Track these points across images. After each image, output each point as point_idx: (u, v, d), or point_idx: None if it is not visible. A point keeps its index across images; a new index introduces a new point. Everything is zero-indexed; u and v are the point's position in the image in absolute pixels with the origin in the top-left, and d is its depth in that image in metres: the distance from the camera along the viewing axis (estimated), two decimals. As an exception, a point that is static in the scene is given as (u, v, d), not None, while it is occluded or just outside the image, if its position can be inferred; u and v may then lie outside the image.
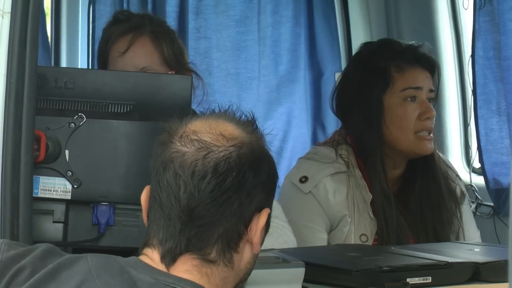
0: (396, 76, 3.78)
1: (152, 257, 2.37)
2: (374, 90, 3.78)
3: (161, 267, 2.34)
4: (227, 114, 2.50)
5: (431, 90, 3.80)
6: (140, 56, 3.58)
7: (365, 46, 4.11)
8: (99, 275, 2.31)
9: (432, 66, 3.86)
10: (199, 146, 2.37)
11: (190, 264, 2.36)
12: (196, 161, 2.36)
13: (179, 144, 2.39)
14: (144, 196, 2.45)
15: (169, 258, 2.35)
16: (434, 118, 3.79)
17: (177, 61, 3.63)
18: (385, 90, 3.77)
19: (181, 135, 2.40)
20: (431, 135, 3.79)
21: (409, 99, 3.76)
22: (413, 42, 4.00)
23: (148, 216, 2.43)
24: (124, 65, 3.56)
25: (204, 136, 2.39)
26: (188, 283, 2.33)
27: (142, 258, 2.38)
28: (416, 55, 3.84)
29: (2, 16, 2.60)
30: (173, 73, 3.52)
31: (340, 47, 4.68)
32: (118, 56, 3.59)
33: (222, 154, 2.36)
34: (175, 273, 2.33)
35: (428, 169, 3.87)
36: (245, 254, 2.41)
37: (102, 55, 3.68)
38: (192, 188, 2.35)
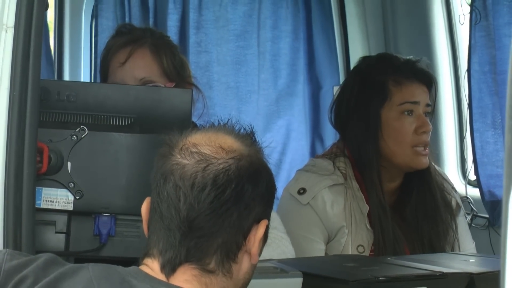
0: (394, 90, 3.79)
1: (152, 267, 2.37)
2: (372, 104, 3.79)
3: (161, 276, 2.35)
4: (226, 127, 2.51)
5: (428, 105, 3.81)
6: (139, 67, 3.58)
7: (363, 60, 4.11)
8: (100, 285, 2.31)
9: (429, 81, 3.87)
10: (198, 159, 2.38)
11: (190, 274, 2.36)
12: (196, 173, 2.36)
13: (179, 157, 2.40)
14: (144, 207, 2.45)
15: (169, 268, 2.36)
16: (430, 132, 3.81)
17: (177, 74, 3.62)
18: (382, 104, 3.78)
19: (181, 147, 2.41)
20: (427, 150, 3.80)
21: (406, 113, 3.77)
22: (411, 57, 4.01)
23: (148, 227, 2.44)
24: (124, 76, 3.56)
25: (204, 149, 2.40)
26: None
27: (143, 268, 2.38)
28: (413, 70, 3.85)
29: (6, 31, 2.61)
30: (173, 85, 3.52)
31: (338, 61, 4.69)
32: (118, 67, 3.59)
33: (221, 166, 2.37)
34: (174, 283, 2.33)
35: (424, 182, 3.87)
36: (244, 264, 2.41)
37: (104, 66, 3.69)
38: (192, 200, 2.35)
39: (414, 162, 3.79)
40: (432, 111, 3.91)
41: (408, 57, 3.98)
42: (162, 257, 2.37)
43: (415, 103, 3.78)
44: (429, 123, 3.79)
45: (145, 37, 3.70)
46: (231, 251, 2.38)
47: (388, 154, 3.78)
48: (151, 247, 2.40)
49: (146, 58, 3.58)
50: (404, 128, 3.76)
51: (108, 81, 3.61)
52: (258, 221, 2.41)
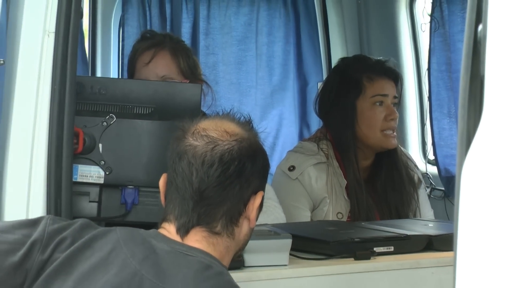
0: (367, 85, 3.78)
1: (169, 230, 2.38)
2: (349, 96, 3.78)
3: (176, 238, 2.36)
4: (229, 116, 2.53)
5: (395, 97, 3.81)
6: (161, 67, 3.57)
7: (342, 60, 4.11)
8: (126, 244, 2.32)
9: (396, 77, 3.87)
10: (207, 141, 2.40)
11: (200, 236, 2.37)
12: (205, 152, 2.38)
13: (191, 139, 2.41)
14: (162, 182, 2.47)
15: (183, 230, 2.37)
16: (397, 119, 3.80)
17: (191, 72, 3.62)
18: (358, 96, 3.77)
19: (193, 132, 2.42)
20: (395, 133, 3.80)
21: (377, 103, 3.76)
22: (381, 57, 4.01)
23: (165, 197, 2.45)
24: (148, 74, 3.55)
25: (212, 133, 2.41)
26: (198, 251, 2.34)
27: (161, 230, 2.40)
28: (383, 68, 3.85)
29: (48, 35, 2.59)
30: (188, 82, 3.52)
31: (321, 62, 4.67)
32: (143, 66, 3.58)
33: (226, 147, 2.38)
34: (187, 243, 2.35)
35: (392, 160, 3.87)
36: (244, 227, 2.43)
37: (131, 65, 3.67)
38: (202, 174, 2.37)
39: (384, 144, 3.79)
40: (399, 102, 3.91)
41: (378, 58, 3.97)
42: (178, 222, 2.39)
43: (384, 95, 3.77)
44: (396, 111, 3.79)
45: (165, 41, 3.69)
46: (234, 216, 2.40)
47: (363, 137, 3.77)
48: (168, 214, 2.41)
49: (166, 59, 3.57)
50: (376, 116, 3.76)
51: (134, 77, 3.60)
52: (255, 193, 2.43)
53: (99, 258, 2.29)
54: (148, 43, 3.67)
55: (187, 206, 2.39)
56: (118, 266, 2.28)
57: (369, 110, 3.77)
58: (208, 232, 2.38)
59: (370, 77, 3.79)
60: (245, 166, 2.40)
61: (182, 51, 3.66)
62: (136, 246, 2.33)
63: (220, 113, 2.61)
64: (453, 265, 1.66)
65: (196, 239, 2.37)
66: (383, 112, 3.77)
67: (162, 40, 3.69)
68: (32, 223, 2.34)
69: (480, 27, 1.63)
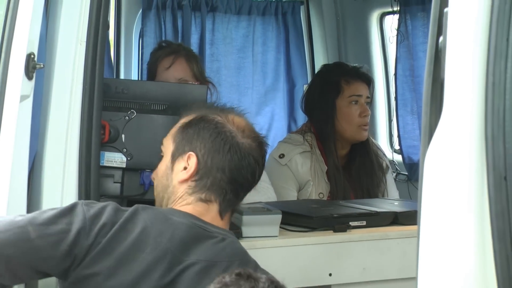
0: (345, 87, 3.78)
1: (206, 209, 2.35)
2: (330, 96, 3.78)
3: (217, 218, 2.35)
4: (230, 109, 2.52)
5: (368, 97, 3.81)
6: (179, 70, 3.56)
7: (324, 66, 4.12)
8: (153, 223, 2.27)
9: (369, 81, 3.86)
10: (248, 133, 2.40)
11: (225, 222, 2.39)
12: (251, 147, 2.38)
13: (231, 127, 2.39)
14: (194, 161, 2.36)
15: (224, 212, 2.37)
16: (369, 115, 3.80)
17: (200, 75, 3.62)
18: (337, 96, 3.77)
19: (228, 118, 2.41)
20: (367, 127, 3.80)
21: (353, 102, 3.76)
22: (356, 64, 4.01)
23: (198, 177, 2.38)
24: (168, 76, 3.54)
25: (244, 129, 2.41)
26: (212, 225, 2.32)
27: (192, 208, 2.36)
28: (358, 73, 3.84)
29: (80, 44, 2.59)
30: (198, 83, 3.51)
31: (307, 67, 4.67)
32: (164, 70, 3.57)
33: (264, 144, 2.45)
34: (217, 222, 2.35)
35: (364, 150, 3.87)
36: None
37: (151, 70, 3.66)
38: (258, 171, 2.42)
39: (358, 136, 3.79)
40: (371, 101, 3.91)
41: (354, 64, 3.98)
42: (221, 205, 2.36)
43: (359, 95, 3.77)
44: (369, 109, 3.79)
45: (180, 50, 3.68)
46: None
47: (340, 131, 3.77)
48: (207, 193, 2.36)
49: (182, 64, 3.57)
50: (352, 113, 3.76)
51: (155, 79, 3.58)
52: None
53: (133, 239, 2.24)
54: (167, 51, 3.66)
55: (226, 192, 2.34)
56: (150, 245, 2.24)
57: (346, 108, 3.76)
58: (231, 214, 2.41)
59: (347, 80, 3.79)
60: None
61: (194, 58, 3.67)
62: (161, 224, 2.28)
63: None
64: (417, 236, 1.66)
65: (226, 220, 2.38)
66: (358, 109, 3.76)
67: (177, 49, 3.69)
68: (69, 211, 2.25)
69: (440, 38, 1.62)
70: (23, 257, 2.19)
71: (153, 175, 2.47)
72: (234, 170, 2.31)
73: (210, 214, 2.33)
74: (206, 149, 2.30)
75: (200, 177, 2.31)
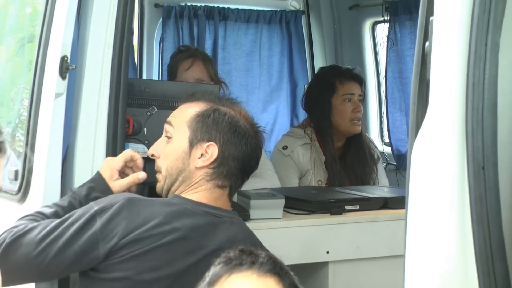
0: (339, 86, 3.77)
1: (220, 193, 2.34)
2: (326, 95, 3.77)
3: (226, 201, 2.35)
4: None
5: (360, 95, 3.80)
6: (197, 71, 3.55)
7: (322, 69, 4.11)
8: (173, 215, 2.23)
9: (361, 81, 3.86)
10: (255, 127, 2.40)
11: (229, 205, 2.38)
12: (258, 139, 2.39)
13: (242, 121, 2.38)
14: (213, 150, 2.32)
15: (229, 199, 2.36)
16: (362, 112, 3.80)
17: (215, 76, 3.62)
18: (332, 95, 3.76)
19: (240, 113, 2.40)
20: (359, 122, 3.79)
21: (347, 100, 3.75)
22: (349, 66, 4.01)
23: (216, 164, 2.36)
24: (187, 76, 3.53)
25: (252, 123, 2.40)
26: (225, 211, 2.32)
27: (207, 194, 2.33)
28: (351, 74, 3.84)
29: (108, 47, 2.58)
30: (213, 83, 3.50)
31: (307, 70, 4.65)
32: (184, 71, 3.55)
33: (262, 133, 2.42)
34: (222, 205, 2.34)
35: (358, 142, 3.86)
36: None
37: (172, 70, 3.64)
38: (255, 155, 2.38)
39: (352, 130, 3.78)
40: (363, 99, 3.91)
41: (348, 67, 3.98)
42: (231, 190, 2.36)
43: (352, 94, 3.76)
44: (361, 106, 3.79)
45: (197, 53, 3.68)
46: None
47: (336, 125, 3.76)
48: (221, 179, 2.35)
49: (200, 66, 3.57)
50: (346, 109, 3.75)
51: (176, 79, 3.56)
52: None
53: (156, 228, 2.19)
54: (186, 54, 3.65)
55: (236, 178, 2.33)
56: (171, 233, 2.20)
57: (341, 105, 3.75)
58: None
59: (341, 81, 3.78)
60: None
61: (209, 61, 3.67)
62: (180, 215, 2.24)
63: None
64: (404, 219, 1.66)
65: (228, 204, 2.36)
66: (351, 106, 3.76)
67: (195, 52, 3.69)
68: (88, 222, 2.17)
69: (427, 44, 1.62)
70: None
71: (154, 152, 2.38)
72: (245, 160, 2.31)
73: (222, 199, 2.32)
74: (225, 141, 2.28)
75: (217, 165, 2.28)
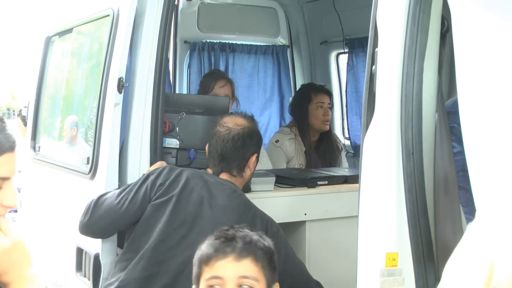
0: (314, 97, 3.73)
1: (210, 172, 2.36)
2: (305, 104, 3.74)
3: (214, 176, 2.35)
4: (241, 114, 2.50)
5: (329, 104, 3.76)
6: (227, 90, 3.50)
7: (302, 86, 4.07)
8: (192, 178, 2.29)
9: (329, 94, 3.82)
10: (226, 128, 2.38)
11: (226, 176, 2.36)
12: (225, 134, 2.36)
13: (219, 127, 2.39)
14: (206, 148, 2.43)
15: (216, 173, 2.37)
16: (330, 115, 3.78)
17: (234, 94, 3.57)
18: (309, 103, 3.73)
19: (220, 123, 2.39)
20: (328, 122, 3.77)
21: (319, 107, 3.72)
22: (321, 83, 4.00)
23: (208, 156, 2.42)
24: (220, 92, 3.47)
25: (228, 124, 2.39)
26: (228, 182, 2.33)
27: (207, 171, 2.37)
28: (322, 89, 3.81)
29: (151, 71, 2.59)
30: (233, 99, 3.50)
31: (291, 86, 4.62)
32: (219, 88, 3.49)
33: (236, 132, 2.36)
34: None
35: (328, 137, 3.82)
36: (247, 172, 2.40)
37: (207, 85, 3.55)
38: (223, 146, 2.34)
39: (323, 128, 3.75)
40: (331, 106, 3.87)
41: (320, 84, 3.96)
42: (212, 169, 2.38)
43: (323, 103, 3.74)
44: (329, 111, 3.76)
45: (228, 77, 3.66)
46: (241, 167, 2.38)
47: (312, 125, 3.74)
48: (209, 164, 2.40)
49: (229, 86, 3.52)
50: (319, 114, 3.72)
51: (210, 92, 3.49)
52: (253, 154, 2.39)
53: (180, 187, 2.26)
54: (222, 76, 3.62)
55: (217, 161, 2.36)
56: (191, 191, 2.25)
57: (315, 111, 3.72)
58: (229, 175, 2.37)
59: (315, 93, 3.75)
60: (246, 141, 2.36)
61: (233, 84, 3.62)
62: (198, 179, 2.30)
63: (234, 113, 2.61)
64: (358, 190, 1.67)
65: (224, 177, 2.36)
66: (322, 111, 3.72)
67: (226, 77, 3.67)
68: (145, 179, 2.32)
69: (373, 67, 1.62)
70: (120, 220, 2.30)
71: None
72: (211, 148, 2.43)
73: (222, 177, 2.37)
74: None
75: (208, 156, 2.47)
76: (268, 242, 1.62)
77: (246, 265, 1.54)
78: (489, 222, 0.95)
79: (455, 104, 1.41)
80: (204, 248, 1.59)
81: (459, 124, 1.35)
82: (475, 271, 0.91)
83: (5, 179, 1.15)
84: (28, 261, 1.17)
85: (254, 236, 1.60)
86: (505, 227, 0.87)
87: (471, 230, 0.97)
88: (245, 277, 1.52)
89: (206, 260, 1.56)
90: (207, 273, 1.55)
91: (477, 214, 1.01)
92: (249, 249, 1.56)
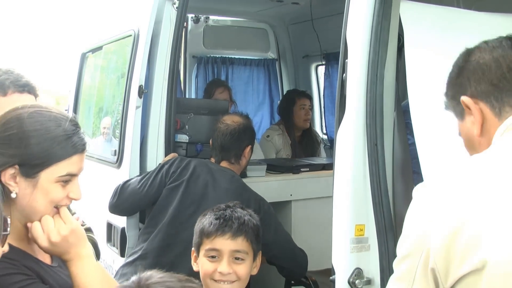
0: (297, 100, 3.72)
1: (213, 161, 2.35)
2: (290, 106, 3.73)
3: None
4: (237, 113, 2.50)
5: (309, 106, 3.76)
6: (226, 94, 3.48)
7: (287, 92, 4.07)
8: (199, 166, 2.27)
9: (310, 98, 3.82)
10: (225, 124, 2.37)
11: (225, 164, 2.35)
12: (224, 129, 2.35)
13: (219, 124, 2.38)
14: (210, 141, 2.40)
15: (217, 162, 2.35)
16: (310, 115, 3.77)
17: (231, 97, 3.55)
18: (293, 105, 3.72)
19: (221, 121, 2.38)
20: (309, 121, 3.76)
21: (302, 109, 3.72)
22: (303, 89, 4.00)
23: (211, 148, 2.41)
24: (220, 96, 3.45)
25: (227, 121, 2.38)
26: (227, 169, 2.31)
27: (211, 160, 2.35)
28: (304, 94, 3.77)
29: (165, 80, 2.57)
30: (230, 102, 3.45)
31: (279, 92, 4.61)
32: (219, 93, 3.48)
33: (233, 127, 2.36)
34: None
35: (309, 133, 3.82)
36: (243, 161, 2.39)
37: (210, 91, 3.54)
38: (222, 139, 2.33)
39: (305, 126, 3.75)
40: (312, 108, 3.87)
41: (303, 90, 3.96)
42: (215, 158, 2.37)
43: (305, 105, 3.73)
44: (310, 112, 3.75)
45: (226, 84, 3.64)
46: (238, 156, 2.37)
47: (296, 123, 3.73)
48: (212, 154, 2.38)
49: (227, 91, 3.52)
50: (301, 114, 3.72)
51: (211, 97, 3.46)
52: (247, 145, 2.37)
53: (189, 174, 2.25)
54: (221, 84, 3.61)
55: (218, 151, 2.35)
56: (198, 176, 2.24)
57: (298, 111, 3.71)
58: (228, 163, 2.36)
59: (299, 97, 3.74)
60: (241, 135, 2.36)
61: (230, 90, 3.60)
62: (203, 167, 2.28)
63: (234, 112, 2.61)
64: (333, 175, 1.66)
65: (224, 165, 2.35)
66: (304, 112, 3.72)
67: (225, 84, 3.64)
68: (161, 167, 2.30)
69: (344, 75, 1.61)
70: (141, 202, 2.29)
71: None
72: (213, 140, 2.43)
73: (222, 164, 2.35)
74: None
75: (211, 147, 2.46)
76: (256, 220, 1.69)
77: (239, 242, 1.62)
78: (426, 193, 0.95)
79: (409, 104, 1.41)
80: (206, 223, 1.63)
81: (412, 121, 1.35)
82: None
83: (74, 175, 1.14)
84: (83, 243, 1.18)
85: (246, 216, 1.66)
86: (497, 226, 0.84)
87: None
88: (238, 251, 1.61)
89: (208, 235, 1.61)
90: (207, 244, 1.61)
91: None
92: (242, 229, 1.62)
